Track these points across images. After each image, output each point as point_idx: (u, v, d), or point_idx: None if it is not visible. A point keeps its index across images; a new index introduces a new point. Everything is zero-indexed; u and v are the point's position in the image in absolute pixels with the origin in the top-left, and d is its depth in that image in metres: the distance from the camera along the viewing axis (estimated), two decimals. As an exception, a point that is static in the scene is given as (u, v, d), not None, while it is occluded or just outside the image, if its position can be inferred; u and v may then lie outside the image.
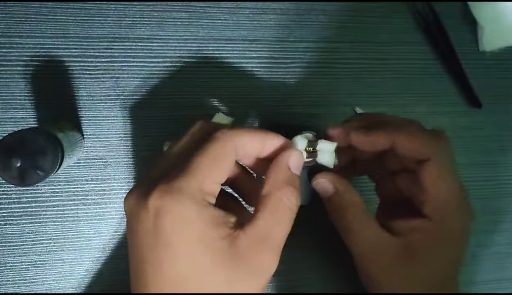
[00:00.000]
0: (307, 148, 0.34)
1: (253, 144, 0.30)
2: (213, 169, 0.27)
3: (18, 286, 0.41)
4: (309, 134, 0.35)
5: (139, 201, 0.27)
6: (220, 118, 0.43)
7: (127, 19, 0.43)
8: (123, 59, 0.43)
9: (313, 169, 0.35)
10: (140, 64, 0.43)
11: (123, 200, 0.41)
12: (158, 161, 0.30)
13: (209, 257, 0.26)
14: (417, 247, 0.33)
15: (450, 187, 0.33)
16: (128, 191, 0.29)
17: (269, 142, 0.31)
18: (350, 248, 0.34)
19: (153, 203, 0.26)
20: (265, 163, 0.31)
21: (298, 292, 0.45)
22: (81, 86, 0.42)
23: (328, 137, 0.35)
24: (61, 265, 0.41)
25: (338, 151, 0.35)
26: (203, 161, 0.27)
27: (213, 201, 0.27)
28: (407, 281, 0.33)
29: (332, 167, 0.35)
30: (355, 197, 0.34)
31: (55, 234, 0.41)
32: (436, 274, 0.33)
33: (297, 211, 0.30)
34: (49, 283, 0.41)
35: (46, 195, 0.41)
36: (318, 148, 0.34)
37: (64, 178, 0.41)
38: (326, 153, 0.35)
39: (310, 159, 0.35)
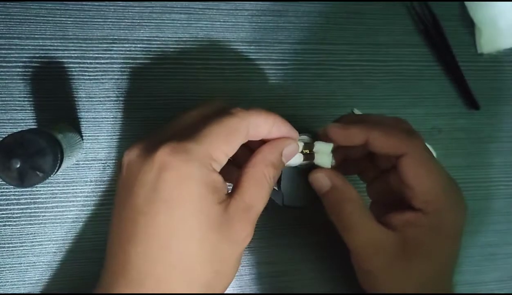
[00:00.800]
0: (303, 150, 0.35)
1: (265, 126, 0.31)
2: (226, 140, 0.28)
3: (17, 288, 0.41)
4: (305, 137, 0.35)
5: (144, 153, 0.27)
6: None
7: (126, 20, 0.43)
8: (122, 61, 0.43)
9: (309, 170, 0.36)
10: (140, 65, 0.43)
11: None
12: (169, 123, 0.31)
13: (203, 219, 0.26)
14: (414, 241, 0.33)
15: (433, 179, 0.33)
16: None
17: (277, 128, 0.32)
18: (347, 243, 0.34)
19: (160, 157, 0.26)
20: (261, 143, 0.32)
21: (297, 292, 0.45)
22: (81, 87, 0.42)
23: (322, 138, 0.35)
24: (60, 266, 0.41)
25: (333, 151, 0.35)
26: (217, 130, 0.28)
27: (218, 169, 0.28)
28: (405, 276, 0.33)
29: (329, 167, 0.35)
30: (352, 192, 0.34)
31: (54, 235, 0.41)
32: (433, 269, 0.33)
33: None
34: (48, 285, 0.41)
35: (45, 196, 0.41)
36: (315, 149, 0.35)
37: (63, 179, 0.42)
38: (323, 154, 0.35)
39: (307, 161, 0.35)
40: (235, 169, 0.34)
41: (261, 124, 0.31)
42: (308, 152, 0.35)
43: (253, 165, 0.30)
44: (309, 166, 0.35)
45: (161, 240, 0.26)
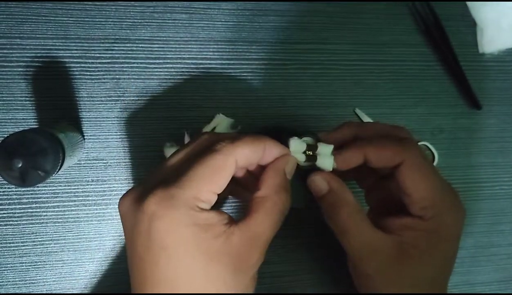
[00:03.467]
0: (306, 152, 0.35)
1: (255, 155, 0.31)
2: (210, 180, 0.28)
3: (18, 287, 0.41)
4: (308, 138, 0.35)
5: (135, 203, 0.28)
6: (221, 119, 0.43)
7: (128, 20, 0.43)
8: (123, 61, 0.43)
9: (308, 172, 0.36)
10: (141, 65, 0.43)
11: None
12: (157, 168, 0.31)
13: (202, 256, 0.27)
14: (410, 245, 0.33)
15: (430, 185, 0.33)
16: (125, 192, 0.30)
17: (269, 152, 0.32)
18: (344, 246, 0.34)
19: (148, 207, 0.27)
20: (259, 168, 0.33)
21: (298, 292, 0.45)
22: (82, 87, 0.42)
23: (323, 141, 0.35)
24: (61, 266, 0.41)
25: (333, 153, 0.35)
26: (201, 172, 0.28)
27: (208, 207, 0.29)
28: (401, 280, 0.33)
29: (331, 169, 0.35)
30: (349, 195, 0.34)
31: (55, 235, 0.41)
32: (430, 272, 0.33)
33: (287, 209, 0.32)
34: (50, 284, 0.41)
35: (46, 195, 0.41)
36: (317, 151, 0.35)
37: (65, 178, 0.42)
38: (325, 156, 0.35)
39: (309, 163, 0.35)
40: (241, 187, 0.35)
41: (250, 155, 0.31)
42: (311, 154, 0.35)
43: (262, 194, 0.31)
44: (309, 168, 0.35)
45: (168, 283, 0.27)
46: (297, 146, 0.35)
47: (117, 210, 0.42)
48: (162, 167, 0.31)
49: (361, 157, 0.34)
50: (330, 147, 0.35)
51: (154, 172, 0.31)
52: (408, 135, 0.36)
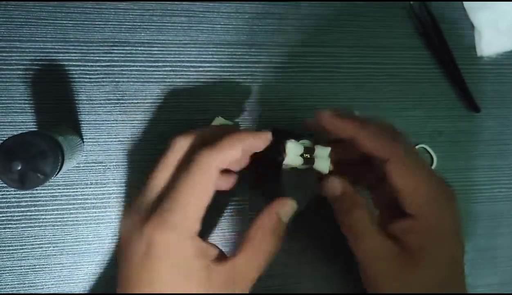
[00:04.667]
0: (304, 154, 0.35)
1: (235, 153, 0.33)
2: (198, 200, 0.31)
3: (17, 290, 0.41)
4: (306, 141, 0.36)
5: (135, 228, 0.31)
6: (220, 122, 0.43)
7: (127, 23, 0.43)
8: (123, 64, 0.43)
9: (303, 176, 0.36)
10: (140, 68, 0.43)
11: (122, 204, 0.42)
12: (147, 187, 0.34)
13: (189, 283, 0.30)
14: (413, 249, 0.33)
15: (419, 181, 0.33)
16: (124, 198, 0.31)
17: (248, 145, 0.34)
18: (354, 250, 0.34)
19: (146, 233, 0.30)
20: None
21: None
22: (81, 90, 0.42)
23: (312, 126, 0.36)
24: (60, 269, 0.41)
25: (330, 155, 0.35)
26: (186, 195, 0.31)
27: (198, 226, 0.31)
28: (410, 286, 0.33)
29: (327, 172, 0.35)
30: (362, 199, 0.35)
31: (54, 238, 0.41)
32: (440, 274, 0.33)
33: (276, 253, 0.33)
34: (48, 287, 0.41)
35: (45, 198, 0.41)
36: (315, 154, 0.35)
37: (64, 181, 0.41)
38: (322, 159, 0.35)
39: (307, 165, 0.35)
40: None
41: (229, 155, 0.32)
42: (308, 157, 0.35)
43: (251, 235, 0.33)
44: (306, 170, 0.36)
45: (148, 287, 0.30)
46: (294, 149, 0.35)
47: (116, 213, 0.42)
48: (150, 186, 0.33)
49: (352, 132, 0.34)
50: (327, 150, 0.35)
51: (145, 192, 0.33)
52: (397, 134, 0.36)
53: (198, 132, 0.35)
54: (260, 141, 0.34)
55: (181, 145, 0.34)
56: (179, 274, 0.30)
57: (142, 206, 0.32)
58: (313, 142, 0.36)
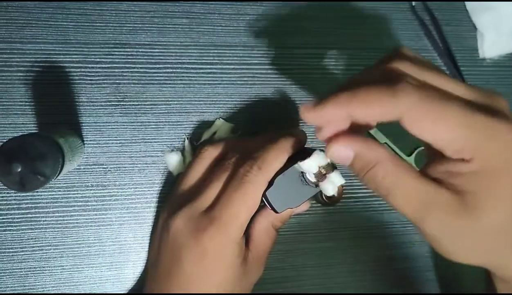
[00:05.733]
0: (320, 168, 0.34)
1: (279, 167, 0.37)
2: (249, 213, 0.36)
3: (17, 292, 0.40)
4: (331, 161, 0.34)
5: (189, 230, 0.36)
6: (221, 124, 0.43)
7: (128, 25, 0.43)
8: (123, 65, 0.43)
9: (299, 179, 0.36)
10: (141, 70, 0.43)
11: (123, 206, 0.42)
12: (188, 190, 0.40)
13: (231, 273, 0.37)
14: (467, 193, 0.27)
15: (448, 125, 0.27)
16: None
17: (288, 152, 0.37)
18: (397, 210, 0.29)
19: (204, 243, 0.35)
20: None
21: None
22: (82, 92, 0.42)
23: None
24: (60, 272, 0.41)
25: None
26: (237, 210, 0.36)
27: (243, 232, 0.37)
28: (469, 234, 0.28)
29: (330, 195, 0.35)
30: (380, 151, 0.28)
31: (54, 240, 0.41)
32: (500, 219, 0.27)
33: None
34: (49, 290, 0.41)
35: (45, 201, 0.41)
36: (330, 176, 0.34)
37: (64, 184, 0.41)
38: (332, 184, 0.34)
39: (315, 180, 0.35)
40: None
41: (276, 168, 0.36)
42: (323, 173, 0.34)
43: (260, 219, 0.39)
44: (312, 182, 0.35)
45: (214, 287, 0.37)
46: (319, 158, 0.33)
47: (117, 215, 0.42)
48: (202, 196, 0.38)
49: (342, 112, 0.28)
50: (342, 181, 0.34)
51: (194, 201, 0.38)
52: (403, 81, 0.27)
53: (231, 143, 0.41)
54: (299, 142, 0.38)
55: (232, 162, 0.38)
56: (229, 265, 0.37)
57: (194, 213, 0.37)
58: (333, 165, 0.35)
